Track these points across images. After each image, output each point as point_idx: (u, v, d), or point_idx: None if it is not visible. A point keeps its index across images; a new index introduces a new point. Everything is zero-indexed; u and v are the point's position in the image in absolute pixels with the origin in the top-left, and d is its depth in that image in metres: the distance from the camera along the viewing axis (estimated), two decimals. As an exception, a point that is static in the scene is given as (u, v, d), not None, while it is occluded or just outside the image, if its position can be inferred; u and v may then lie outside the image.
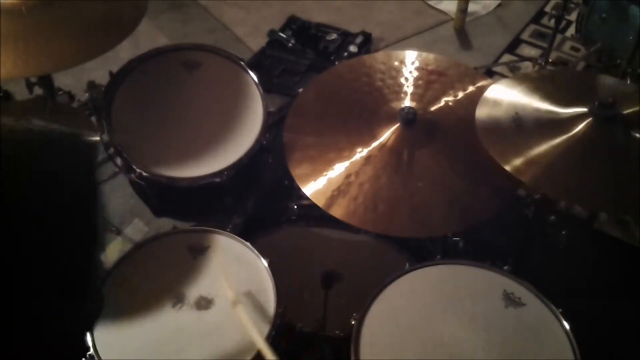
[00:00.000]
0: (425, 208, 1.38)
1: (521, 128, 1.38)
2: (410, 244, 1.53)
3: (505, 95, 1.47)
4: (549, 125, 1.39)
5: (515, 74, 1.50)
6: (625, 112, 1.40)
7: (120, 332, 1.25)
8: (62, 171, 0.69)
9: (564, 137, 1.36)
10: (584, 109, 1.39)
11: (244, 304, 1.27)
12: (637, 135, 1.37)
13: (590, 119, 1.37)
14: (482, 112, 1.43)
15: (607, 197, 1.32)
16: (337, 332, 1.34)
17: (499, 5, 3.08)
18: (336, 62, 2.48)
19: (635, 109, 1.41)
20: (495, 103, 1.45)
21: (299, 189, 1.42)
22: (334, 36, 2.69)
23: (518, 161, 1.32)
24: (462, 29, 2.95)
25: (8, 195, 0.64)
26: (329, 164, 1.44)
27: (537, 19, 3.00)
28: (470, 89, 1.60)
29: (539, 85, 1.50)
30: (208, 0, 3.07)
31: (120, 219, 2.04)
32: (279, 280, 1.31)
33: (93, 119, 1.68)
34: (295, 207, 1.58)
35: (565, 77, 1.65)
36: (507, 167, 1.30)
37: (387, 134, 1.47)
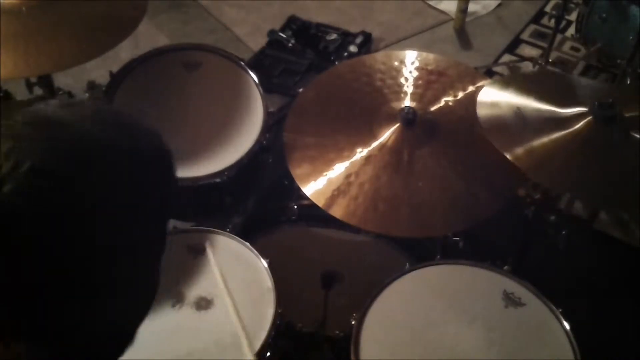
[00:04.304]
0: (425, 208, 1.38)
1: (523, 119, 1.37)
2: (410, 244, 1.53)
3: (503, 94, 1.47)
4: (550, 121, 1.39)
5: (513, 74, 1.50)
6: (626, 110, 1.39)
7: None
8: None
9: (565, 132, 1.35)
10: (583, 109, 1.39)
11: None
12: (637, 135, 1.37)
13: (591, 119, 1.36)
14: (483, 107, 1.43)
15: (607, 191, 1.31)
16: (337, 332, 1.34)
17: (499, 5, 3.08)
18: (336, 62, 2.48)
19: (635, 109, 1.41)
20: (495, 101, 1.45)
21: (299, 189, 1.42)
22: (334, 36, 2.69)
23: (519, 150, 1.31)
24: (462, 29, 2.95)
25: None
26: (329, 164, 1.44)
27: (537, 19, 3.00)
28: (470, 88, 1.60)
29: (537, 85, 1.50)
30: (208, 0, 3.07)
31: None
32: (278, 280, 1.31)
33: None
34: (295, 207, 1.58)
35: (562, 80, 1.64)
36: (509, 156, 1.29)
37: (387, 134, 1.47)
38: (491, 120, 1.38)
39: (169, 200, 0.67)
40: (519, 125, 1.36)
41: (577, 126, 1.36)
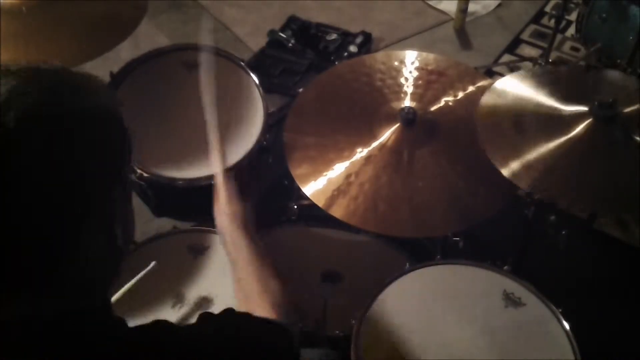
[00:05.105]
0: (425, 208, 1.38)
1: (521, 131, 1.38)
2: (410, 244, 1.53)
3: (508, 91, 1.47)
4: (550, 125, 1.39)
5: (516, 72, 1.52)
6: (626, 110, 1.39)
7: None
8: None
9: (564, 137, 1.36)
10: (584, 108, 1.38)
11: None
12: (637, 137, 1.37)
13: (591, 119, 1.36)
14: (482, 114, 1.44)
15: (606, 200, 1.31)
16: (337, 332, 1.34)
17: (499, 5, 3.08)
18: (336, 62, 2.48)
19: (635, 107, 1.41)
20: (496, 102, 1.45)
21: (299, 189, 1.42)
22: (334, 36, 2.69)
23: (516, 166, 1.31)
24: (462, 29, 2.95)
25: None
26: (329, 164, 1.44)
27: (537, 19, 3.00)
28: (470, 88, 1.60)
29: (541, 81, 1.50)
30: (208, 0, 3.07)
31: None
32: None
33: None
34: (295, 207, 1.58)
35: (568, 73, 1.64)
36: (506, 173, 1.30)
37: (387, 134, 1.47)
38: (489, 131, 1.38)
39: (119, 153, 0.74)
40: (518, 134, 1.37)
41: (577, 129, 1.36)
